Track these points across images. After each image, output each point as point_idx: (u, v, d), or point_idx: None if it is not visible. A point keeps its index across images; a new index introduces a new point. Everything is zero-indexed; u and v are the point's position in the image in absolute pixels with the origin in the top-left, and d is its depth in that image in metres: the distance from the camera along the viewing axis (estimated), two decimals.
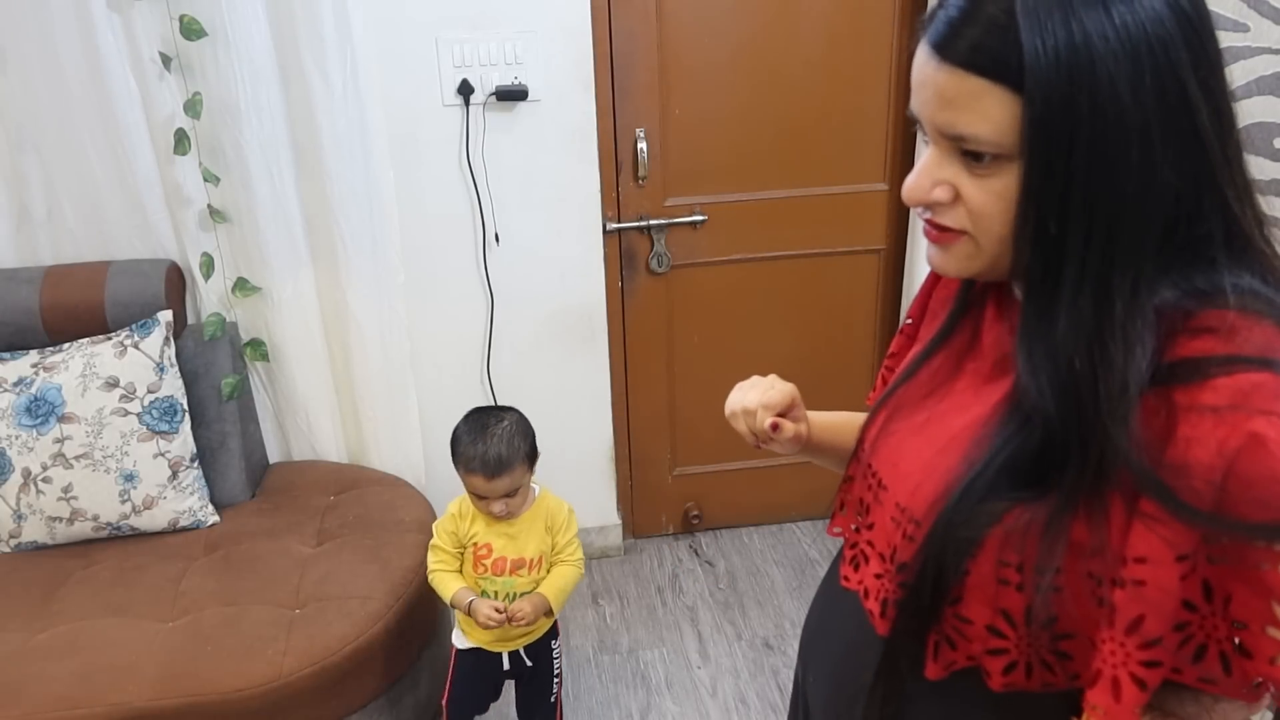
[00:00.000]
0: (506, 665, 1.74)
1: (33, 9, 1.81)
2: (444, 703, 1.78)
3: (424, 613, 1.86)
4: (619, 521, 2.60)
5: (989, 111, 0.63)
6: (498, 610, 1.59)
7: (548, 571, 1.69)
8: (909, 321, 0.95)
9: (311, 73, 1.92)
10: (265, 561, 1.84)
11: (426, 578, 1.77)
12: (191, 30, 1.84)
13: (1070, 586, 0.67)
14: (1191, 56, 0.61)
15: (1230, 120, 0.64)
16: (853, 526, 0.89)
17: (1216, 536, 0.61)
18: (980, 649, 0.73)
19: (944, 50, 0.64)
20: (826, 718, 0.93)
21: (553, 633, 1.79)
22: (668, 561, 2.60)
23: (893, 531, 0.79)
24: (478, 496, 1.63)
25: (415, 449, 2.29)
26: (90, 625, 1.67)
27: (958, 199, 0.68)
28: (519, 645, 1.73)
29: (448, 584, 1.66)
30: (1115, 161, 0.61)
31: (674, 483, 2.64)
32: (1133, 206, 0.62)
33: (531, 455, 1.65)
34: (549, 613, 1.68)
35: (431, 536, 1.72)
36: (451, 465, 2.35)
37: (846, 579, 0.87)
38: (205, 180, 1.97)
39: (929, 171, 0.68)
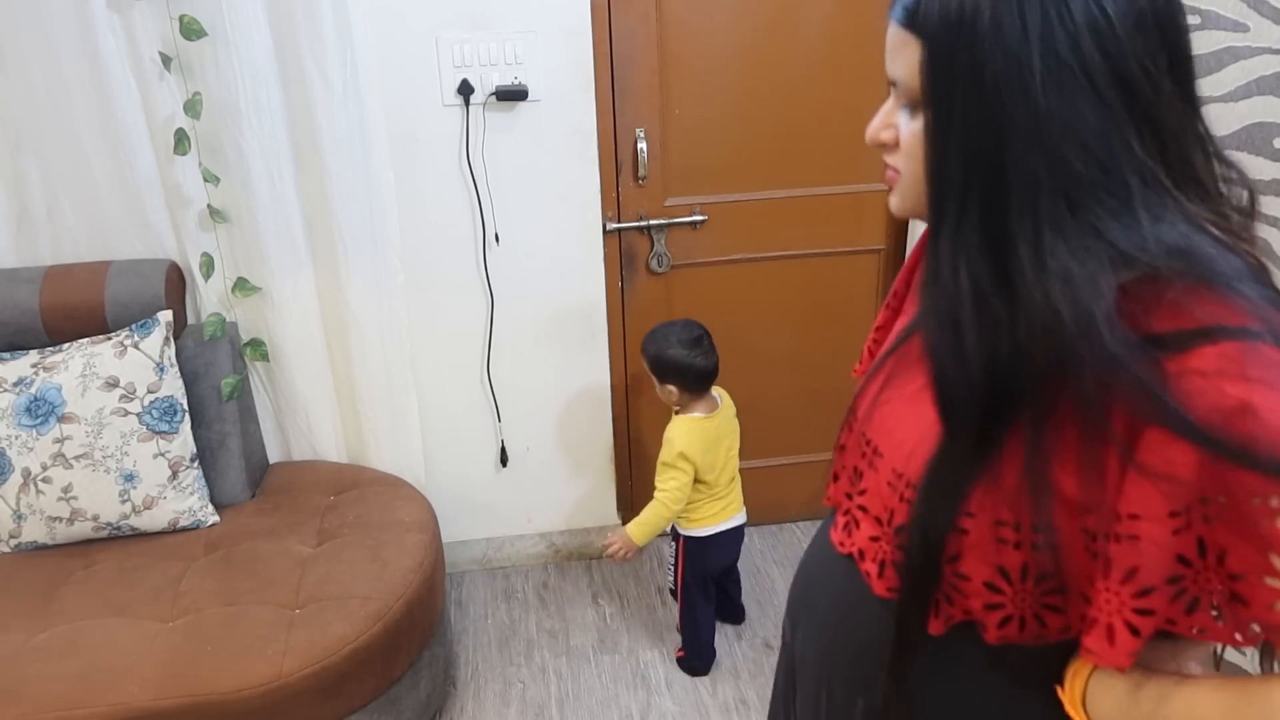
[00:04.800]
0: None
1: (33, 9, 1.81)
2: None
3: (424, 613, 1.86)
4: (619, 521, 2.60)
5: (908, 58, 0.71)
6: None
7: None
8: (894, 294, 0.99)
9: (311, 73, 1.92)
10: (265, 561, 1.84)
11: (428, 574, 1.85)
12: (191, 30, 1.84)
13: (1066, 543, 0.70)
14: (1087, 17, 0.65)
15: (1137, 78, 0.66)
16: (845, 494, 0.92)
17: (1214, 493, 0.62)
18: (978, 604, 0.76)
19: (892, 10, 0.74)
20: (819, 673, 0.96)
21: (673, 534, 2.15)
22: (668, 562, 2.60)
23: (889, 495, 0.82)
24: None
25: (415, 449, 2.29)
26: (90, 625, 1.67)
27: (899, 142, 0.76)
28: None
29: None
30: (999, 107, 0.66)
31: None
32: (1022, 151, 0.66)
33: (652, 362, 2.00)
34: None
35: (427, 535, 1.80)
36: (449, 466, 2.46)
37: (841, 544, 0.90)
38: (205, 180, 1.97)
39: (881, 115, 0.78)
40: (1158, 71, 0.66)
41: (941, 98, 0.69)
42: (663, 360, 1.97)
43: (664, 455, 1.99)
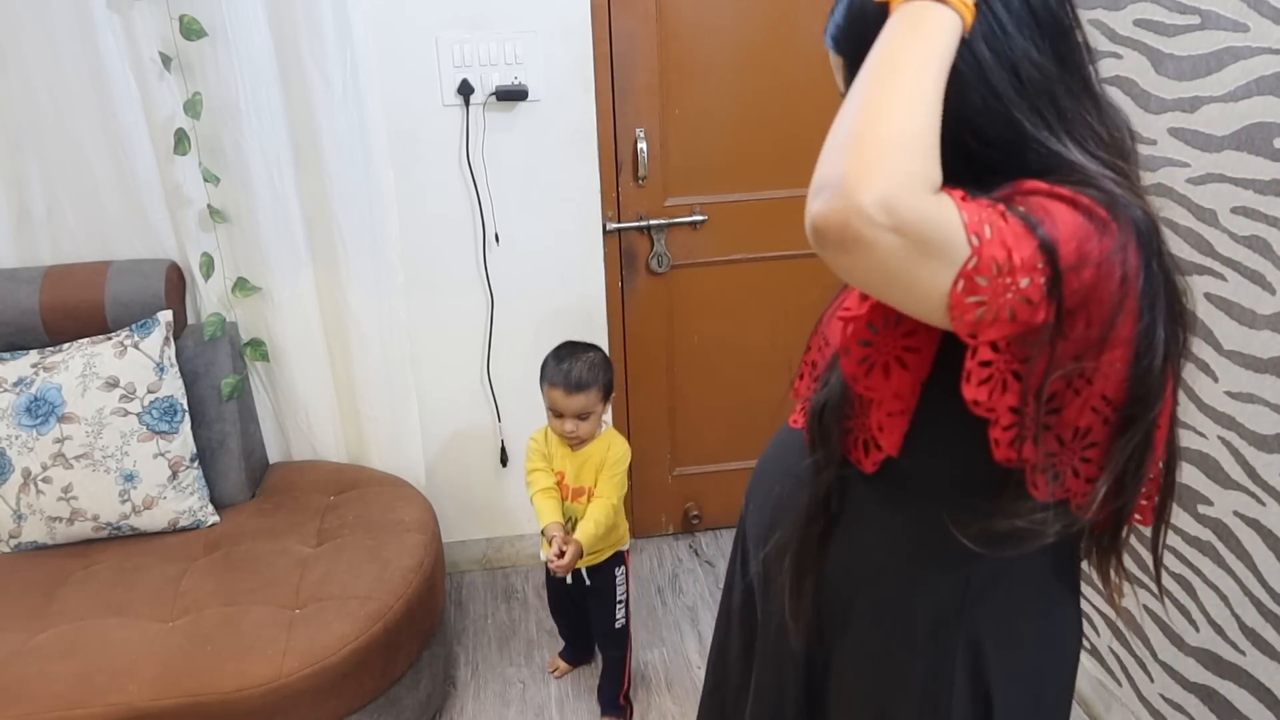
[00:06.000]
0: (569, 579, 1.93)
1: (33, 9, 1.81)
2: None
3: (424, 613, 1.86)
4: None
5: (842, 73, 0.87)
6: (557, 555, 1.78)
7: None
8: None
9: (311, 73, 1.92)
10: (265, 561, 1.84)
11: (428, 574, 1.84)
12: (191, 30, 1.84)
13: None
14: (980, 25, 0.75)
15: (1025, 67, 0.77)
16: (807, 387, 1.04)
17: None
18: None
19: (827, 35, 0.88)
20: (759, 534, 1.08)
21: (617, 559, 1.98)
22: (668, 561, 2.60)
23: None
24: (554, 414, 1.86)
25: (415, 449, 2.29)
26: (90, 625, 1.67)
27: None
28: (581, 565, 1.92)
29: (546, 512, 1.87)
30: None
31: (674, 483, 2.64)
32: None
33: (606, 388, 1.86)
34: (607, 545, 1.94)
35: (427, 535, 1.76)
36: (449, 466, 2.40)
37: (795, 422, 1.04)
38: (205, 180, 1.97)
39: None
40: (1044, 58, 0.77)
41: None
42: (613, 379, 1.89)
43: (622, 469, 1.88)
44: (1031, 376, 0.74)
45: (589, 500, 1.88)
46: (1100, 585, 0.93)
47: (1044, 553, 0.89)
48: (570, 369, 1.82)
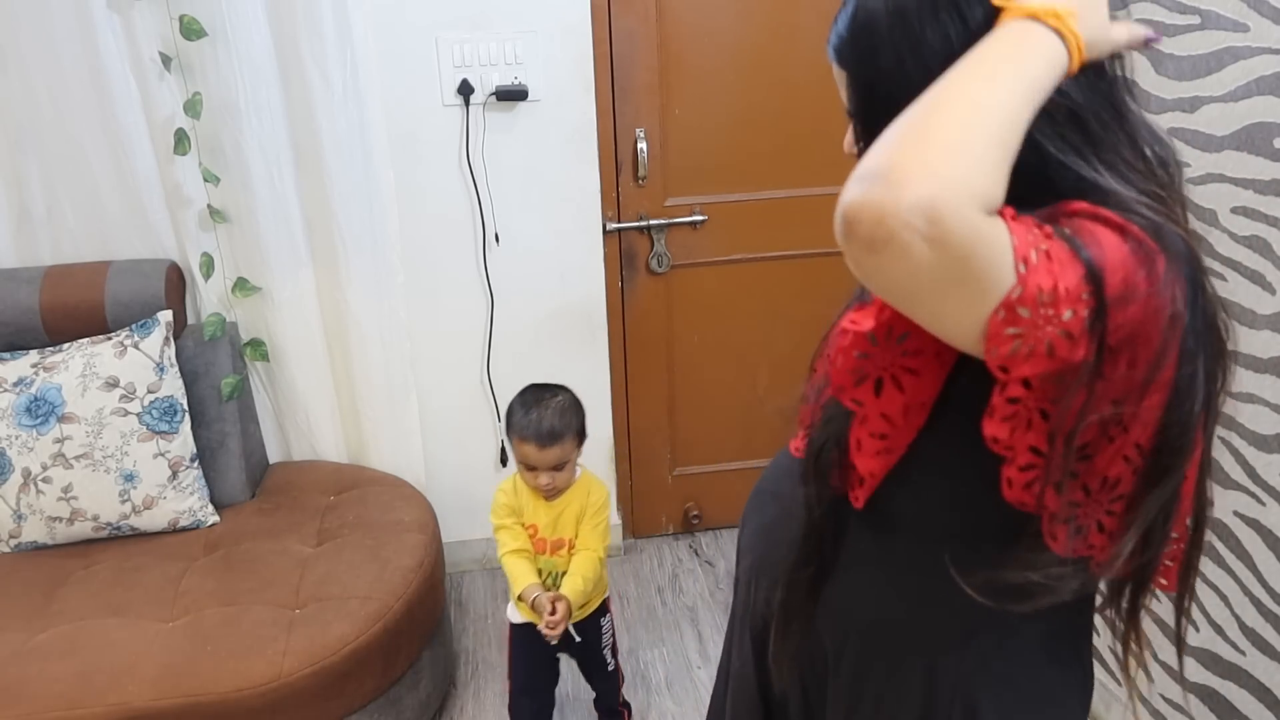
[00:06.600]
0: (554, 640, 1.73)
1: (33, 9, 1.81)
2: (508, 686, 1.88)
3: (424, 613, 1.86)
4: (619, 521, 2.60)
5: (845, 86, 0.81)
6: (549, 626, 1.63)
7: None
8: None
9: (311, 73, 1.92)
10: (265, 561, 1.84)
11: (428, 574, 1.83)
12: (191, 30, 1.84)
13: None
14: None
15: (1059, 95, 0.69)
16: (811, 412, 1.00)
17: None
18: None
19: (829, 46, 0.82)
20: (752, 562, 1.05)
21: (602, 609, 1.86)
22: (668, 561, 2.60)
23: None
24: (527, 467, 1.69)
25: (415, 449, 2.29)
26: (90, 625, 1.67)
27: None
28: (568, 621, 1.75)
29: (521, 575, 1.71)
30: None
31: (674, 483, 2.64)
32: None
33: (581, 432, 1.71)
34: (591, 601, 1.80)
35: (427, 535, 1.74)
36: (449, 466, 2.39)
37: (797, 450, 0.99)
38: (205, 180, 1.97)
39: (849, 133, 0.88)
40: (1065, 84, 0.71)
41: (868, 122, 0.79)
42: (585, 421, 1.74)
43: (605, 516, 1.77)
44: (1065, 419, 0.67)
45: (569, 552, 1.74)
46: (1119, 654, 0.86)
47: (1053, 609, 0.82)
48: (541, 419, 1.65)
